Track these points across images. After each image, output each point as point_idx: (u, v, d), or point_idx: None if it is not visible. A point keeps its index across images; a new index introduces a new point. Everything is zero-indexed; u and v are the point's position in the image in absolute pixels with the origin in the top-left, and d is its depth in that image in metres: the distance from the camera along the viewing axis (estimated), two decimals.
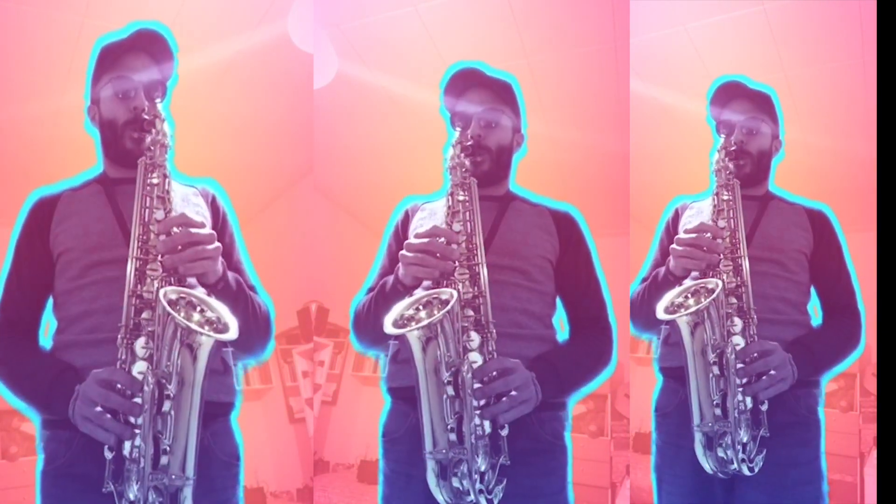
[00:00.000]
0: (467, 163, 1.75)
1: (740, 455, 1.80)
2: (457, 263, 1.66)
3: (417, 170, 2.23)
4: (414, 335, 1.58)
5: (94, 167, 1.76)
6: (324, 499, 3.35)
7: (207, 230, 1.57)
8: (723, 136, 1.97)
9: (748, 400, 1.80)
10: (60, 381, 1.56)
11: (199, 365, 1.47)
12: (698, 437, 1.81)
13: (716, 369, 1.79)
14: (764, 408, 1.81)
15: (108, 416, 1.47)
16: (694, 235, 1.84)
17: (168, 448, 1.45)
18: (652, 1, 2.78)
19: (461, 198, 1.73)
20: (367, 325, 1.76)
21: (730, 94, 2.01)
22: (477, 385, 1.60)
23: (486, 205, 1.80)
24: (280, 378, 3.41)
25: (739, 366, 1.79)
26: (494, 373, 1.63)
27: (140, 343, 1.50)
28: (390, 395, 1.81)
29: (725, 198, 1.90)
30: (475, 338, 1.64)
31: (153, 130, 1.60)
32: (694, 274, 1.86)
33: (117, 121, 1.68)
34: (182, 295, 1.49)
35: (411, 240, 1.67)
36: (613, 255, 2.16)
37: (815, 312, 1.99)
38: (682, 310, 1.78)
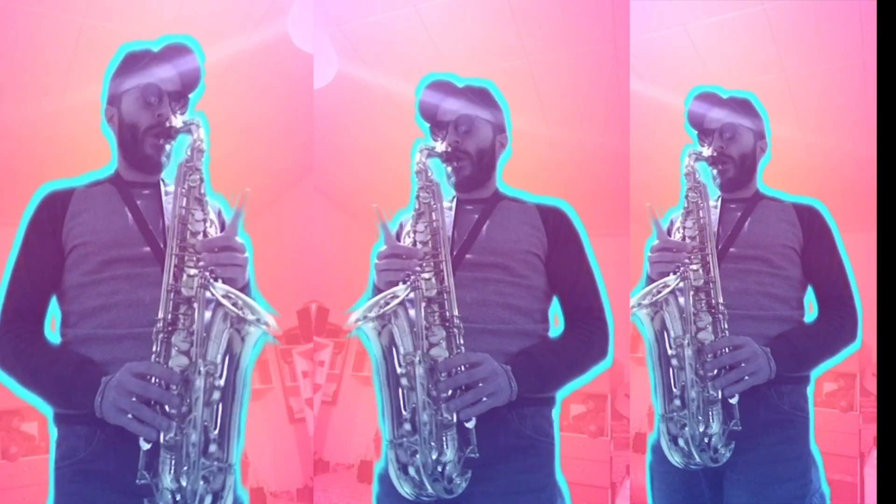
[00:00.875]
0: (430, 164, 1.80)
1: (700, 447, 1.81)
2: (422, 263, 1.71)
3: None
4: (368, 327, 1.65)
5: (106, 167, 1.78)
6: (324, 499, 3.35)
7: (240, 240, 1.64)
8: (705, 145, 2.00)
9: (715, 393, 1.81)
10: (81, 374, 1.58)
11: (244, 355, 1.55)
12: (662, 429, 1.84)
13: (675, 361, 1.81)
14: (733, 401, 1.83)
15: (146, 407, 1.50)
16: (661, 241, 1.91)
17: (216, 437, 1.51)
18: (652, 1, 2.78)
19: (425, 199, 1.78)
20: None
21: (704, 104, 2.04)
22: (444, 376, 1.63)
23: (474, 208, 1.84)
24: (280, 378, 3.41)
25: (710, 357, 1.81)
26: (462, 367, 1.65)
27: (179, 337, 1.54)
28: None
29: (693, 199, 1.94)
30: (439, 333, 1.67)
31: (191, 138, 1.67)
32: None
33: (139, 126, 1.70)
34: (229, 294, 1.56)
35: (382, 248, 1.73)
36: (613, 255, 2.16)
37: (809, 308, 2.00)
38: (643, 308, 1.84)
